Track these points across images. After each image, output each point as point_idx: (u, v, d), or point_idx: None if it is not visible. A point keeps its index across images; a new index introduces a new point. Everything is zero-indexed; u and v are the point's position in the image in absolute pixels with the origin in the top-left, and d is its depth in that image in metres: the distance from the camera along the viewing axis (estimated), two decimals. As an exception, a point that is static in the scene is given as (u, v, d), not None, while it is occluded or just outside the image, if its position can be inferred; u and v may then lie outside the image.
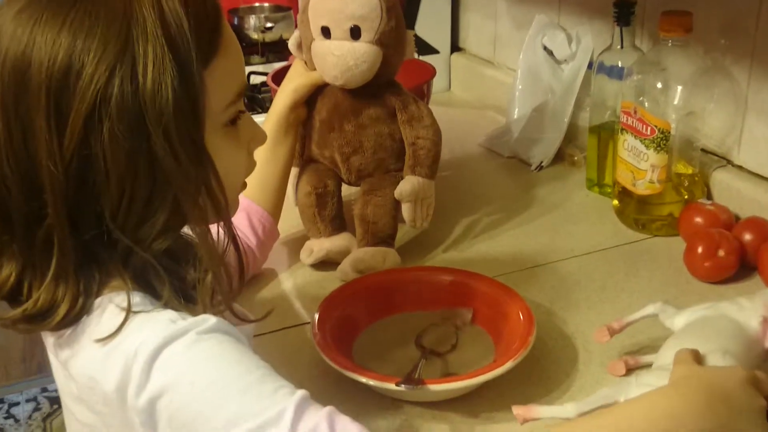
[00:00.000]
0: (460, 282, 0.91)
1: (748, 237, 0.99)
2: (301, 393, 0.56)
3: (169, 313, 0.57)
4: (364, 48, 0.95)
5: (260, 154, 0.97)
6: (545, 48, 1.37)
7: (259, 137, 0.68)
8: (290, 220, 1.08)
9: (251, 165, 0.69)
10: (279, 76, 1.28)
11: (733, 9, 1.06)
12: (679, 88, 1.05)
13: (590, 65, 1.27)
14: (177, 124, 0.54)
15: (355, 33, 0.95)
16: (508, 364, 0.76)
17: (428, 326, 0.87)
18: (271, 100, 1.29)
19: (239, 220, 0.94)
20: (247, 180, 0.95)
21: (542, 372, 0.82)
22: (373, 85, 0.99)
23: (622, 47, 1.13)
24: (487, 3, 1.60)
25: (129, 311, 0.56)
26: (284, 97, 1.02)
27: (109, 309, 0.57)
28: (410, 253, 1.05)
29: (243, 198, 0.95)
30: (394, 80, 1.03)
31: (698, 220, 1.04)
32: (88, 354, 0.57)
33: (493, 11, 1.59)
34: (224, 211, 0.61)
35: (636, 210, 1.11)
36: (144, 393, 0.54)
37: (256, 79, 1.79)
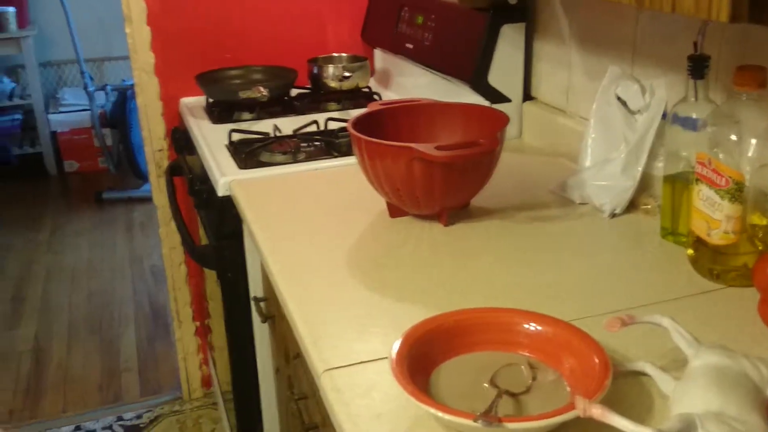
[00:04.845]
0: (532, 324, 0.94)
1: (825, 289, 0.98)
2: None
3: None
4: None
5: None
6: (619, 98, 1.39)
7: None
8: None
9: None
10: (358, 124, 1.34)
11: (810, 63, 1.07)
12: (753, 140, 1.06)
13: (664, 116, 1.29)
14: None
15: None
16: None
17: (504, 366, 0.90)
18: (348, 146, 1.34)
19: None
20: None
21: (616, 416, 0.84)
22: None
23: (696, 99, 1.15)
24: (561, 53, 1.64)
25: None
26: None
27: None
28: (481, 295, 1.09)
29: None
30: None
31: (774, 271, 1.04)
32: None
33: (566, 61, 1.63)
34: None
35: (711, 260, 1.11)
36: None
37: (333, 125, 1.87)
